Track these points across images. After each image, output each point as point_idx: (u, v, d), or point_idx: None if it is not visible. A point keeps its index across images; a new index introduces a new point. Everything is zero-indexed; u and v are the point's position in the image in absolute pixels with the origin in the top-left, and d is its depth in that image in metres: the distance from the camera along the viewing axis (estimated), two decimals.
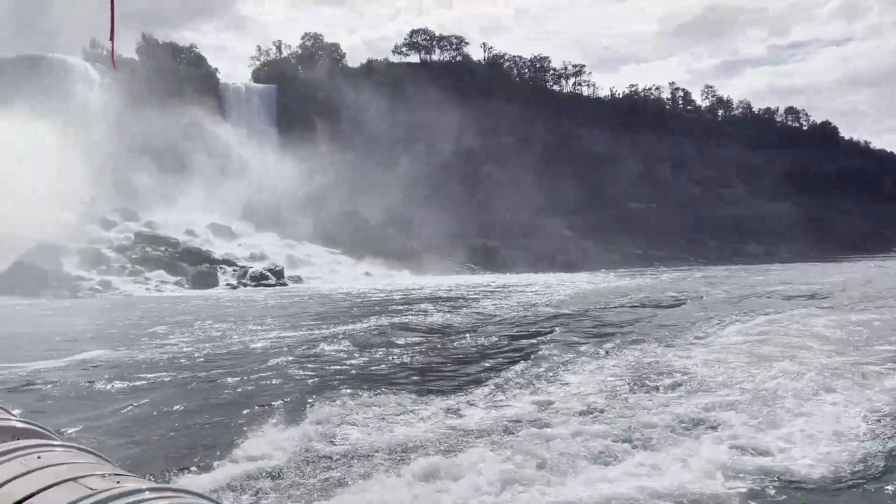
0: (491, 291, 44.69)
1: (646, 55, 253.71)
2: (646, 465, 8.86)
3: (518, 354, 18.06)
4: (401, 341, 21.27)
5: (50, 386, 14.98)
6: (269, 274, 62.42)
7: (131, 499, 1.54)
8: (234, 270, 63.82)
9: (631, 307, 30.87)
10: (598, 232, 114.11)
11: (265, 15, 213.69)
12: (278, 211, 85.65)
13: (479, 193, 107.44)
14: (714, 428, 10.46)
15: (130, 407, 12.89)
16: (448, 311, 30.35)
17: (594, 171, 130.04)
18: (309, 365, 17.18)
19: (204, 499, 1.64)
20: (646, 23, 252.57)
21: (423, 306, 33.64)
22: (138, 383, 15.08)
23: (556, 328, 23.17)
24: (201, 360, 18.39)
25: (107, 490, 1.60)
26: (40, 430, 2.39)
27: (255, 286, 59.90)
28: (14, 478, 1.81)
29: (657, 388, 13.52)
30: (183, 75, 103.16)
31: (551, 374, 15.30)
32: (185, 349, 20.70)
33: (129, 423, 11.80)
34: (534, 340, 20.54)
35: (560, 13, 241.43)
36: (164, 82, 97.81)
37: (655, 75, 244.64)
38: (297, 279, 64.40)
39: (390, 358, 18.22)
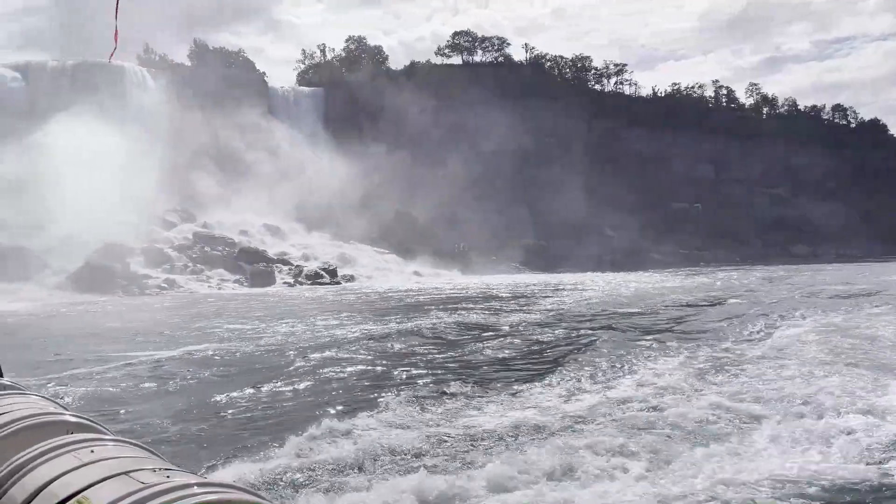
0: (551, 290, 45.35)
1: (685, 52, 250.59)
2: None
3: (603, 351, 18.79)
4: (481, 335, 22.18)
5: (189, 371, 16.26)
6: (323, 273, 63.98)
7: (181, 493, 1.59)
8: (289, 269, 65.54)
9: (700, 305, 31.19)
10: (642, 232, 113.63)
11: (302, 17, 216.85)
12: (328, 211, 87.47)
13: (525, 193, 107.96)
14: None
15: (222, 394, 14.00)
16: (517, 310, 31.19)
17: (637, 170, 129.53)
18: (397, 356, 18.19)
19: (250, 494, 1.68)
20: (685, 20, 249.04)
21: (490, 304, 34.53)
22: (233, 372, 16.26)
23: (630, 326, 23.83)
24: (293, 351, 19.53)
25: (158, 484, 1.65)
26: (92, 424, 2.52)
27: (310, 284, 61.48)
28: (70, 470, 1.88)
29: (748, 382, 14.15)
30: (233, 80, 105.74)
31: (638, 366, 15.99)
32: (277, 340, 21.93)
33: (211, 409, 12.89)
34: (613, 336, 21.26)
35: (597, 12, 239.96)
36: (216, 87, 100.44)
37: (695, 73, 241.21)
38: (350, 278, 65.83)
39: (472, 350, 19.12)
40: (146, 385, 14.91)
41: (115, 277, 53.65)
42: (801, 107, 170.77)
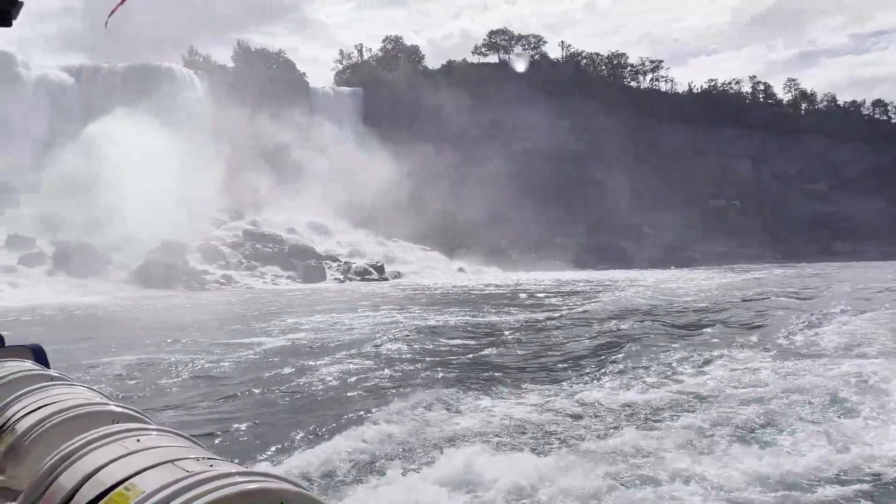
0: (604, 286, 46.13)
1: (717, 47, 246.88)
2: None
3: (685, 342, 19.65)
4: (553, 329, 23.16)
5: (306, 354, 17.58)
6: (371, 269, 65.46)
7: (223, 481, 1.63)
8: (337, 266, 67.11)
9: (770, 301, 31.39)
10: (680, 230, 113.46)
11: (331, 17, 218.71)
12: (372, 210, 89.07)
13: (564, 191, 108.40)
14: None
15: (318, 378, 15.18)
16: (582, 303, 32.10)
17: (674, 168, 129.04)
18: (479, 348, 19.25)
19: (290, 483, 1.71)
20: (718, 14, 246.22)
21: (548, 300, 35.47)
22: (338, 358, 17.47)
23: (707, 321, 24.62)
24: (378, 341, 20.69)
25: (201, 472, 1.70)
26: (136, 414, 2.59)
27: (360, 280, 63.01)
28: (116, 458, 1.93)
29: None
30: (276, 80, 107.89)
31: (727, 358, 16.81)
32: (365, 332, 23.16)
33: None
34: (691, 330, 22.10)
35: (628, 7, 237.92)
36: (260, 88, 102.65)
37: (728, 68, 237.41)
38: (397, 275, 67.24)
39: (552, 342, 20.11)
40: (282, 365, 16.23)
41: (175, 273, 55.70)
42: (840, 102, 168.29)
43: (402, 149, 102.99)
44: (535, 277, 62.82)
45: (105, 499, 1.78)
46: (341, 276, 63.83)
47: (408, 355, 17.67)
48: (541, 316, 27.14)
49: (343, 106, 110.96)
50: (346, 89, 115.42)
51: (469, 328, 23.12)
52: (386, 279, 65.23)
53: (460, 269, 74.04)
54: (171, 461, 1.84)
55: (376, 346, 19.26)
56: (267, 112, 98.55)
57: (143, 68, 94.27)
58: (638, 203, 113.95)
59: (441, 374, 14.95)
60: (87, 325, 28.38)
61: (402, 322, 25.25)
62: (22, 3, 2.16)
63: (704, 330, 21.12)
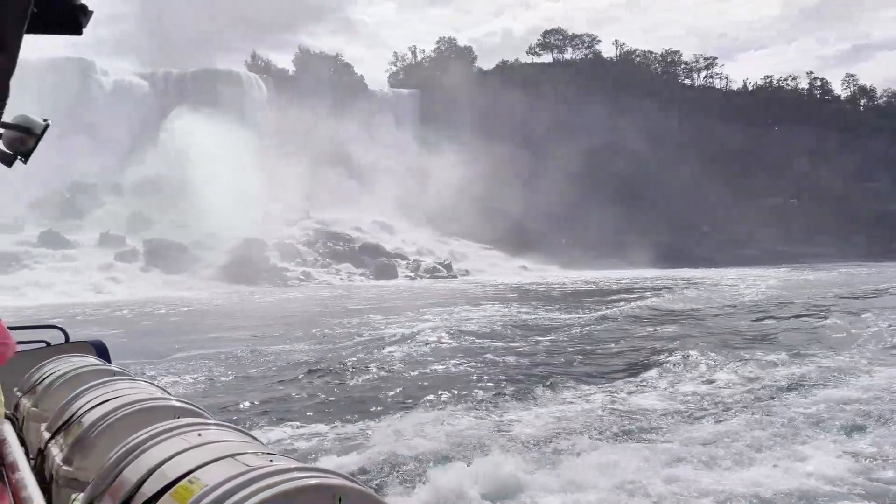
0: (687, 283, 46.98)
1: (766, 41, 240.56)
2: None
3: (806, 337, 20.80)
4: (654, 323, 24.44)
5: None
6: (440, 267, 67.27)
7: (284, 476, 1.68)
8: (406, 263, 69.09)
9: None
10: (738, 227, 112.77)
11: (374, 17, 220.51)
12: (432, 209, 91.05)
13: (621, 190, 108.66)
14: None
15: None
16: (677, 299, 33.24)
17: (731, 165, 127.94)
18: (600, 341, 20.67)
19: (347, 479, 1.75)
20: (766, 7, 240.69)
21: (628, 295, 36.65)
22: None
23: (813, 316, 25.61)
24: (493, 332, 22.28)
25: (262, 467, 1.75)
26: (196, 409, 2.66)
27: (430, 278, 64.85)
28: (179, 452, 2.00)
29: None
30: (336, 83, 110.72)
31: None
32: (493, 321, 24.82)
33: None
34: (803, 324, 23.18)
35: (672, 2, 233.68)
36: (320, 90, 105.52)
37: (778, 63, 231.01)
38: (465, 272, 68.92)
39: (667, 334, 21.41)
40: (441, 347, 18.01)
41: (259, 270, 58.33)
42: None
43: (461, 149, 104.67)
44: (599, 276, 63.84)
45: (170, 491, 1.83)
46: (412, 274, 65.83)
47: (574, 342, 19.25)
48: (644, 311, 28.46)
49: (401, 107, 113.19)
50: (403, 91, 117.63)
51: (594, 321, 24.55)
52: (455, 276, 67.00)
53: (524, 267, 75.32)
54: (232, 455, 1.90)
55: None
56: (328, 114, 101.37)
57: (212, 73, 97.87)
58: (695, 202, 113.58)
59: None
60: (227, 317, 30.63)
61: (523, 314, 26.83)
62: (92, 12, 2.27)
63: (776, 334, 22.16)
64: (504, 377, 14.82)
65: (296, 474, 1.68)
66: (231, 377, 15.51)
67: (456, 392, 13.38)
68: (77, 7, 2.03)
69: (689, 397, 12.77)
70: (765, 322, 23.58)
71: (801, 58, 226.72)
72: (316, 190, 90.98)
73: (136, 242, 62.67)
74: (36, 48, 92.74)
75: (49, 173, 74.27)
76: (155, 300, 41.49)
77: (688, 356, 16.38)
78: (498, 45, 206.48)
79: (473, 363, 16.57)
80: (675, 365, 15.68)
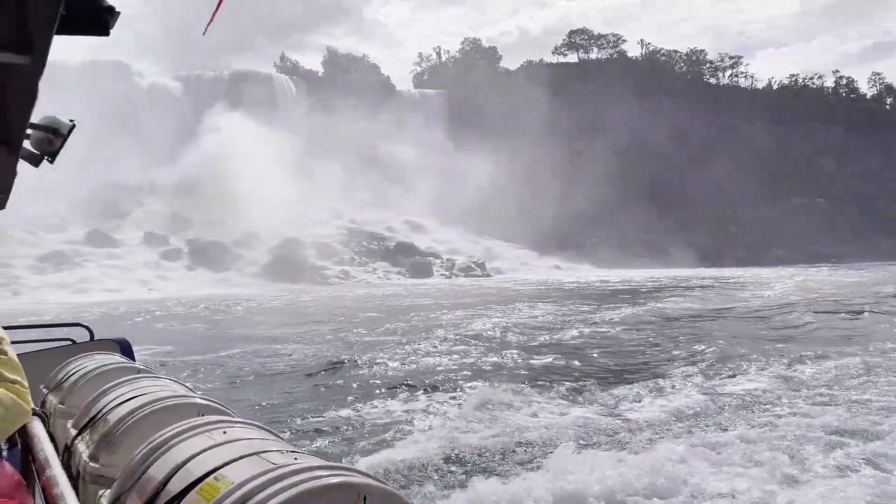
0: (725, 282, 47.48)
1: (785, 39, 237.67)
2: None
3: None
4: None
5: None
6: (474, 266, 68.12)
7: (308, 474, 1.69)
8: (440, 262, 69.98)
9: None
10: (764, 227, 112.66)
11: (389, 17, 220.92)
12: (461, 208, 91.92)
13: (648, 190, 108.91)
14: None
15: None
16: (716, 297, 33.87)
17: (757, 164, 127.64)
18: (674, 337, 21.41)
19: (371, 478, 1.75)
20: (785, 4, 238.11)
21: (670, 292, 37.28)
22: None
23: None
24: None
25: (287, 465, 1.76)
26: (220, 406, 2.69)
27: (464, 277, 65.73)
28: (205, 450, 2.03)
29: None
30: (364, 84, 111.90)
31: None
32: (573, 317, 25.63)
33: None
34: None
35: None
36: (349, 91, 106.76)
37: (798, 60, 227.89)
38: (498, 271, 69.71)
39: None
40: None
41: (300, 269, 59.51)
42: None
43: (489, 149, 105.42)
44: (634, 274, 64.37)
45: (196, 488, 1.85)
46: (447, 273, 66.74)
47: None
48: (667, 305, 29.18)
49: (429, 108, 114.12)
50: (430, 91, 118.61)
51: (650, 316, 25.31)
52: (489, 275, 67.83)
53: (556, 267, 75.97)
54: (257, 453, 1.91)
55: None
56: (357, 115, 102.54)
57: (245, 74, 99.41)
58: (722, 201, 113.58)
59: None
60: (298, 314, 31.68)
61: (586, 312, 27.66)
62: (119, 13, 2.24)
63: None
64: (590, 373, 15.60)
65: (320, 472, 1.71)
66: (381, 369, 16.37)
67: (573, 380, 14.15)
68: (104, 8, 2.08)
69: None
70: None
71: (822, 55, 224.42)
72: (346, 190, 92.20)
73: (179, 242, 64.10)
74: (68, 49, 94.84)
75: (88, 174, 76.22)
76: (208, 297, 42.69)
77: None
78: (514, 44, 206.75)
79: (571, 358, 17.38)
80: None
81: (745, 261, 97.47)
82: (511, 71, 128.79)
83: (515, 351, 18.25)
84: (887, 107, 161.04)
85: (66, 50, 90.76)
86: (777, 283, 46.49)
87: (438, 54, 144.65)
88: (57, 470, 1.60)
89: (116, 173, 78.02)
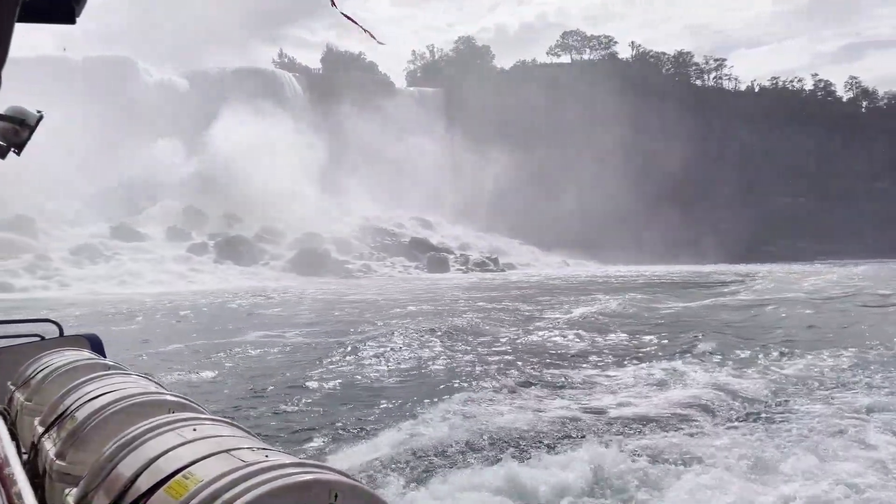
0: (750, 278, 50.05)
1: (760, 38, 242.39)
2: None
3: None
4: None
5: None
6: (488, 261, 70.16)
7: (279, 472, 1.68)
8: (454, 258, 71.88)
9: None
10: (752, 226, 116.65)
11: (369, 12, 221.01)
12: (463, 205, 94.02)
13: (641, 188, 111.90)
14: None
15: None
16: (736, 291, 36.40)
17: (741, 165, 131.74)
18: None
19: (343, 475, 1.75)
20: (759, 4, 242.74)
21: (715, 287, 39.69)
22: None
23: None
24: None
25: (257, 462, 1.75)
26: (190, 403, 2.72)
27: (480, 271, 67.73)
28: (174, 447, 2.01)
29: None
30: (363, 81, 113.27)
31: None
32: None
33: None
34: None
35: None
36: (348, 88, 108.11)
37: (773, 60, 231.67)
38: (511, 266, 71.80)
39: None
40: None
41: (325, 263, 60.96)
42: None
43: (484, 147, 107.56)
44: (639, 270, 66.91)
45: (164, 486, 1.84)
46: (463, 268, 68.62)
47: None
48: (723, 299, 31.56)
49: (427, 105, 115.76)
50: (428, 89, 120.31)
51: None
52: (503, 270, 69.90)
53: (564, 262, 78.35)
54: (227, 451, 1.91)
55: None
56: (357, 111, 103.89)
57: (248, 71, 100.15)
58: (710, 200, 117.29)
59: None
60: (362, 304, 33.27)
61: (632, 301, 29.84)
62: (85, 0, 2.12)
63: None
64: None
65: (291, 470, 1.71)
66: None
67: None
68: None
69: None
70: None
71: (797, 56, 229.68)
72: (352, 186, 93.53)
73: (200, 237, 65.07)
74: (74, 45, 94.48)
75: (100, 170, 76.67)
76: (259, 289, 44.06)
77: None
78: (491, 41, 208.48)
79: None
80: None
81: (740, 257, 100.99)
82: (506, 70, 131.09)
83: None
84: (863, 109, 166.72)
85: (71, 46, 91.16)
86: (808, 279, 48.63)
87: (431, 52, 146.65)
88: (17, 468, 1.56)
89: (128, 169, 78.44)
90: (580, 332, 19.88)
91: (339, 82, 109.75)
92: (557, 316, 24.58)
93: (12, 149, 3.51)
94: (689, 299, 31.56)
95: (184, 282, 49.98)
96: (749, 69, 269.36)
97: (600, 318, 23.68)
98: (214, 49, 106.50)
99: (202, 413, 2.53)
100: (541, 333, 20.07)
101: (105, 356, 4.67)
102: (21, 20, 1.80)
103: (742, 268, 71.81)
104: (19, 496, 1.27)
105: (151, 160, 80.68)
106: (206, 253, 60.64)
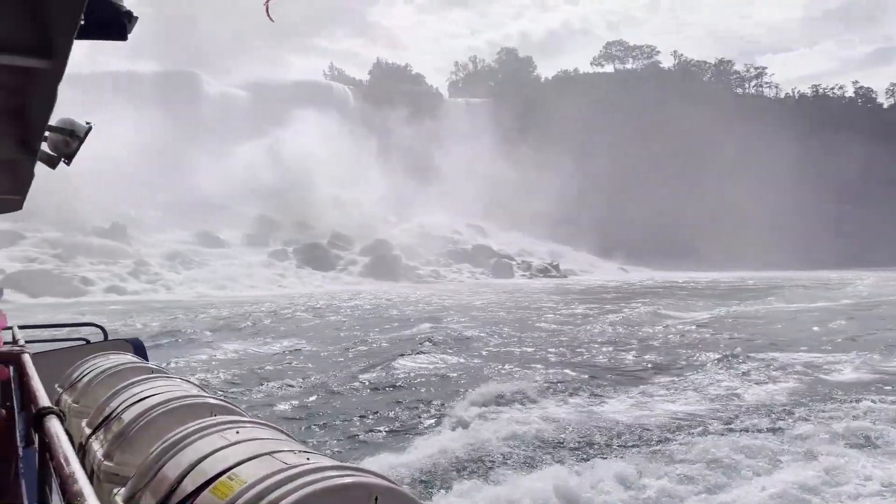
0: (806, 285, 51.31)
1: (788, 44, 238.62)
2: None
3: None
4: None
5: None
6: (550, 267, 71.97)
7: (320, 475, 1.70)
8: (516, 264, 73.75)
9: None
10: (799, 233, 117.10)
11: (393, 20, 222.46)
12: (513, 212, 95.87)
13: (686, 194, 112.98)
14: None
15: None
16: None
17: (785, 172, 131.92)
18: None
19: (382, 478, 1.76)
20: (788, 9, 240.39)
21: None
22: None
23: None
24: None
25: (299, 465, 1.77)
26: (231, 406, 2.77)
27: (543, 277, 69.51)
28: (218, 449, 2.05)
29: None
30: (412, 93, 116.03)
31: None
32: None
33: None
34: None
35: (692, 4, 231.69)
36: (398, 99, 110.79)
37: (801, 65, 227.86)
38: (572, 272, 73.51)
39: None
40: None
41: (397, 268, 63.24)
42: None
43: (531, 154, 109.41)
44: (700, 277, 68.07)
45: (209, 487, 1.88)
46: (526, 273, 70.49)
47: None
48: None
49: (475, 115, 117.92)
50: (476, 100, 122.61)
51: None
52: (564, 276, 71.63)
53: (621, 269, 79.84)
54: (270, 453, 1.94)
55: None
56: (407, 121, 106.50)
57: (309, 84, 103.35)
58: (754, 208, 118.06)
59: None
60: (493, 307, 35.26)
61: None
62: (137, 17, 2.22)
63: None
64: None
65: (332, 472, 1.74)
66: None
67: None
68: (122, 13, 2.10)
69: None
70: None
71: (824, 61, 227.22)
72: (405, 194, 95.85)
73: (276, 244, 67.74)
74: (140, 60, 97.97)
75: (171, 180, 79.77)
76: (342, 292, 46.45)
77: None
78: (516, 48, 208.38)
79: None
80: None
81: (788, 264, 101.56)
82: (549, 79, 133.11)
83: None
84: None
85: (137, 61, 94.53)
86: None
87: (474, 63, 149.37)
88: (76, 468, 1.55)
89: (199, 178, 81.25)
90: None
91: (389, 93, 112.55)
92: (696, 315, 26.39)
93: (62, 159, 3.62)
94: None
95: (275, 286, 52.51)
96: (777, 75, 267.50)
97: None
98: (243, 59, 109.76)
99: (243, 416, 2.61)
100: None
101: (147, 359, 4.72)
102: (78, 37, 1.94)
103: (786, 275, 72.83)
104: (80, 495, 1.39)
105: (221, 170, 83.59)
106: (286, 259, 63.20)
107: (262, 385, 14.34)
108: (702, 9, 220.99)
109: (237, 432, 2.21)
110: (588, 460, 9.17)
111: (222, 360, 17.98)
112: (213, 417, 2.41)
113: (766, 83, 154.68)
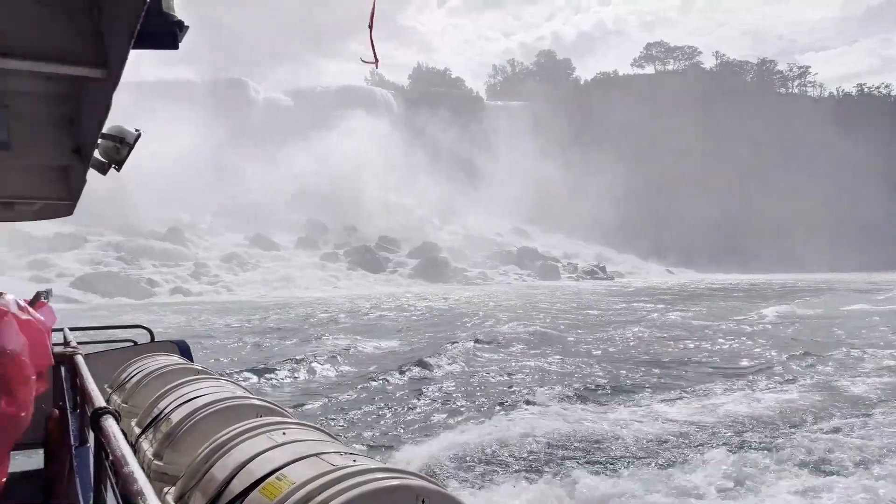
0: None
1: (826, 43, 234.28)
2: None
3: None
4: None
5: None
6: (597, 269, 71.88)
7: (367, 476, 1.73)
8: (562, 266, 73.85)
9: None
10: (844, 235, 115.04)
11: (425, 24, 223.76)
12: (558, 214, 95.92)
13: (735, 197, 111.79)
14: None
15: None
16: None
17: (829, 174, 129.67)
18: None
19: (428, 481, 1.79)
20: (826, 8, 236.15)
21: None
22: None
23: None
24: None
25: (346, 467, 1.81)
26: (276, 407, 2.80)
27: (591, 279, 69.51)
28: (266, 450, 2.09)
29: None
30: (452, 97, 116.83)
31: None
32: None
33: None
34: None
35: (726, 4, 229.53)
36: (438, 103, 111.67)
37: (840, 64, 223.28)
38: (619, 274, 73.35)
39: None
40: None
41: (446, 271, 63.91)
42: None
43: (577, 157, 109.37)
44: (753, 279, 67.46)
45: (258, 488, 1.90)
46: (573, 276, 70.57)
47: None
48: None
49: (516, 117, 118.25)
50: (515, 103, 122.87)
51: None
52: (611, 278, 71.52)
53: (668, 271, 79.41)
54: (317, 454, 1.98)
55: None
56: (448, 125, 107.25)
57: (351, 89, 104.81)
58: (800, 209, 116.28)
59: None
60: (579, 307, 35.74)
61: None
62: (188, 27, 2.25)
63: None
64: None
65: (379, 475, 1.76)
66: None
67: None
68: (174, 23, 2.14)
69: None
70: None
71: (864, 59, 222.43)
72: (446, 196, 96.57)
73: (327, 246, 69.01)
74: (188, 67, 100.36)
75: (222, 184, 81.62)
76: (397, 294, 47.37)
77: None
78: (548, 50, 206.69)
79: None
80: None
81: (837, 265, 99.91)
82: (589, 81, 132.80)
83: None
84: None
85: (188, 68, 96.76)
86: None
87: (512, 66, 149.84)
88: (134, 467, 1.58)
89: (249, 182, 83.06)
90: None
91: (430, 97, 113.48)
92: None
93: (113, 165, 3.68)
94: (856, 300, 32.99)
95: (330, 287, 53.57)
96: (818, 73, 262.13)
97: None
98: (281, 64, 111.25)
99: (288, 417, 2.65)
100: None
101: (192, 360, 4.80)
102: (133, 47, 1.98)
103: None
104: (140, 494, 1.43)
105: (269, 174, 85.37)
106: (338, 261, 64.34)
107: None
108: (736, 9, 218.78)
109: (283, 433, 2.26)
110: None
111: (361, 351, 19.16)
112: (260, 419, 2.47)
113: (810, 82, 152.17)
